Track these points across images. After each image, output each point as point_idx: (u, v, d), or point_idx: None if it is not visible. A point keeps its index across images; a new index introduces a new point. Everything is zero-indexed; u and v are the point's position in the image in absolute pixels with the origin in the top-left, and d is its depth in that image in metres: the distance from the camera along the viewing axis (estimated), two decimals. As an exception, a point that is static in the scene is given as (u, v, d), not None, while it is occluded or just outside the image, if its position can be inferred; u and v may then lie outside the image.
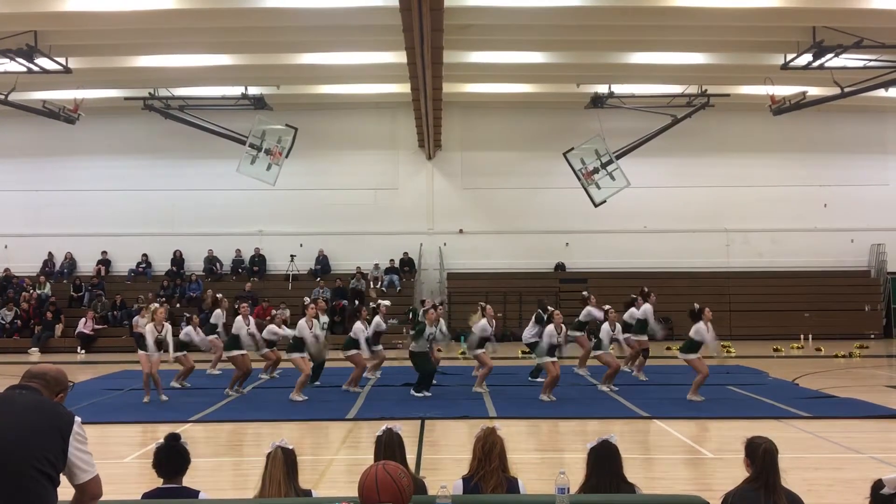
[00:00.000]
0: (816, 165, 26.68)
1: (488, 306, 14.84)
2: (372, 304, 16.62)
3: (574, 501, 4.06)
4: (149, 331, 13.27)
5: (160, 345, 13.27)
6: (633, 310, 15.94)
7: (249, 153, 20.61)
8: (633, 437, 10.37)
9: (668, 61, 20.81)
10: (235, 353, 13.99)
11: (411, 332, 14.50)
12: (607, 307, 14.77)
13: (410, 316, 15.13)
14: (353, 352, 14.15)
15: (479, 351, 14.19)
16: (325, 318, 15.30)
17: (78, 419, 3.45)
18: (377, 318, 15.33)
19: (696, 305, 13.33)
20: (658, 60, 20.75)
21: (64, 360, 20.54)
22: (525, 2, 16.46)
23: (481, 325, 14.17)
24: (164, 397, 13.28)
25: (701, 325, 12.91)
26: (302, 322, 13.51)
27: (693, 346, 12.91)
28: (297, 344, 13.44)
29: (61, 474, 3.38)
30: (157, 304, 14.27)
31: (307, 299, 14.14)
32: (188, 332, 14.99)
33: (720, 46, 19.83)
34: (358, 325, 14.37)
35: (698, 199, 26.43)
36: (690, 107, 23.10)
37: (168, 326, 13.49)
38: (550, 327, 13.18)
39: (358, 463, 8.11)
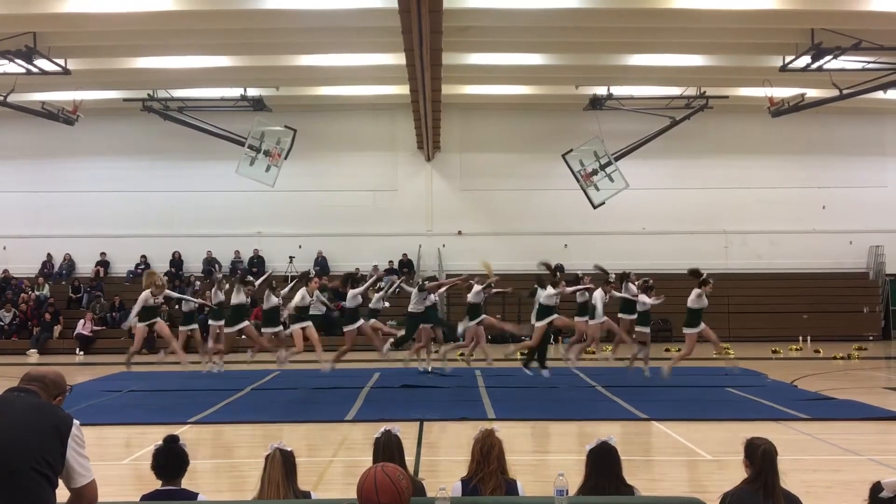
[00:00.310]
0: (815, 167, 26.71)
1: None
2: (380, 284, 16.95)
3: (573, 503, 4.06)
4: (143, 298, 13.28)
5: (153, 313, 13.22)
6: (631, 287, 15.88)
7: (248, 154, 20.62)
8: (631, 439, 10.37)
9: (667, 63, 20.83)
10: (236, 328, 14.14)
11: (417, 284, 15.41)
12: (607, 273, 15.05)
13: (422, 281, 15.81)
14: (349, 327, 14.30)
15: (472, 323, 14.39)
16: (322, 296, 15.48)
17: (76, 422, 3.46)
18: (378, 295, 15.73)
19: (704, 272, 13.43)
20: (657, 62, 20.77)
21: (62, 361, 20.54)
22: (524, 4, 16.48)
23: (474, 290, 14.57)
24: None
25: (701, 290, 13.09)
26: (302, 290, 13.73)
27: (695, 318, 12.99)
28: (299, 314, 13.53)
29: (59, 477, 3.38)
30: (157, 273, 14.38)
31: (312, 271, 14.65)
32: (188, 297, 15.15)
33: (719, 48, 19.86)
34: (351, 292, 14.54)
35: (697, 201, 26.45)
36: (689, 109, 23.13)
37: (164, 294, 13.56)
38: (550, 289, 13.45)
39: (357, 465, 8.11)
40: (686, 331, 13.33)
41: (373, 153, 26.77)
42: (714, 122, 24.93)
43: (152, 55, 20.09)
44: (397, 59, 18.06)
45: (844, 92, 18.44)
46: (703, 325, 13.34)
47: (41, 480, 3.26)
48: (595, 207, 22.25)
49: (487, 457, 4.65)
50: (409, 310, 15.01)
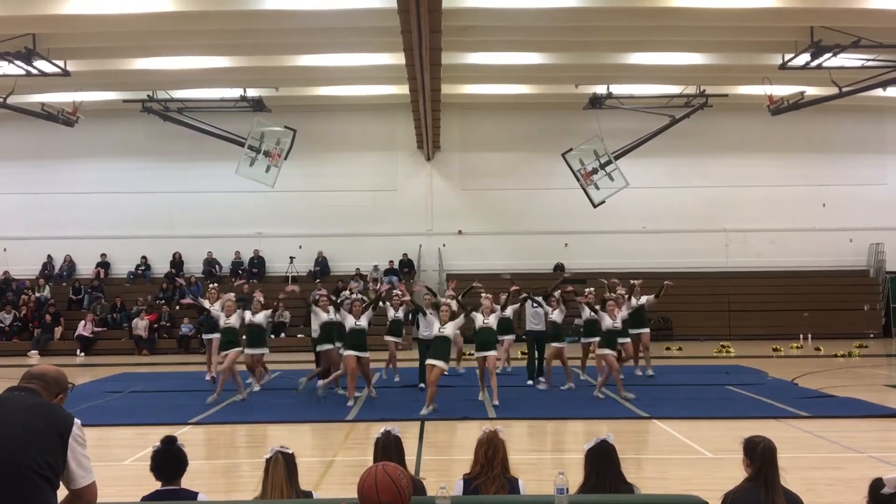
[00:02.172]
0: (815, 165, 26.70)
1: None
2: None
3: (573, 502, 4.06)
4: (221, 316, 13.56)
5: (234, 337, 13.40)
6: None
7: (248, 155, 20.60)
8: (631, 437, 10.38)
9: (666, 62, 20.82)
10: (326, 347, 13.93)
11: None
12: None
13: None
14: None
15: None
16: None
17: (77, 421, 3.41)
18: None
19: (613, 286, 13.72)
20: (656, 61, 20.77)
21: (63, 362, 20.53)
22: (523, 3, 16.47)
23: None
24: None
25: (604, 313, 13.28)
26: (317, 309, 13.67)
27: (608, 338, 13.09)
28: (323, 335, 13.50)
29: (60, 479, 3.32)
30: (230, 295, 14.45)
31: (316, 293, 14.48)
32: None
33: (718, 47, 19.85)
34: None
35: (697, 200, 26.44)
36: (689, 107, 23.12)
37: (238, 315, 13.57)
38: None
39: (358, 464, 8.12)
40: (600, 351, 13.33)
41: (373, 153, 26.78)
42: (714, 121, 24.91)
43: (152, 56, 20.10)
44: (397, 58, 18.06)
45: (844, 89, 18.42)
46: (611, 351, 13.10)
47: (41, 483, 3.21)
48: (595, 206, 22.25)
49: (492, 461, 4.66)
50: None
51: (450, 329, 12.17)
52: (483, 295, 13.60)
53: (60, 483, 3.35)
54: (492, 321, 12.80)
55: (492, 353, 12.67)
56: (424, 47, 15.23)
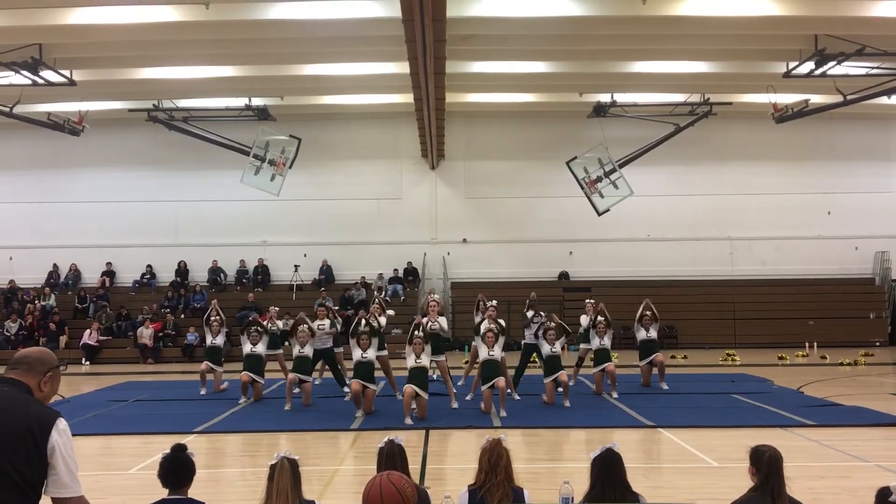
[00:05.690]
0: (820, 173, 26.66)
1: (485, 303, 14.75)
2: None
3: (578, 511, 4.06)
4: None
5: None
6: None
7: (253, 164, 20.66)
8: (636, 446, 10.35)
9: (671, 70, 20.84)
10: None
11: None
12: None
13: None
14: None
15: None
16: (325, 322, 15.14)
17: (61, 422, 3.06)
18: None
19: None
20: (660, 69, 20.79)
21: (68, 371, 20.55)
22: (527, 12, 16.51)
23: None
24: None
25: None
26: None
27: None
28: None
29: (42, 487, 3.00)
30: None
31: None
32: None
33: (722, 55, 19.88)
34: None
35: (702, 208, 26.42)
36: (693, 115, 23.11)
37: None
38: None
39: (363, 473, 8.11)
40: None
41: (377, 162, 26.82)
42: (718, 129, 24.89)
43: (157, 66, 20.20)
44: (401, 67, 18.13)
45: (848, 98, 18.43)
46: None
47: (9, 492, 2.89)
48: (599, 214, 22.24)
49: (495, 468, 4.65)
50: None
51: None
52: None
53: (42, 493, 3.02)
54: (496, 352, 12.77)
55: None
56: (428, 56, 15.28)
